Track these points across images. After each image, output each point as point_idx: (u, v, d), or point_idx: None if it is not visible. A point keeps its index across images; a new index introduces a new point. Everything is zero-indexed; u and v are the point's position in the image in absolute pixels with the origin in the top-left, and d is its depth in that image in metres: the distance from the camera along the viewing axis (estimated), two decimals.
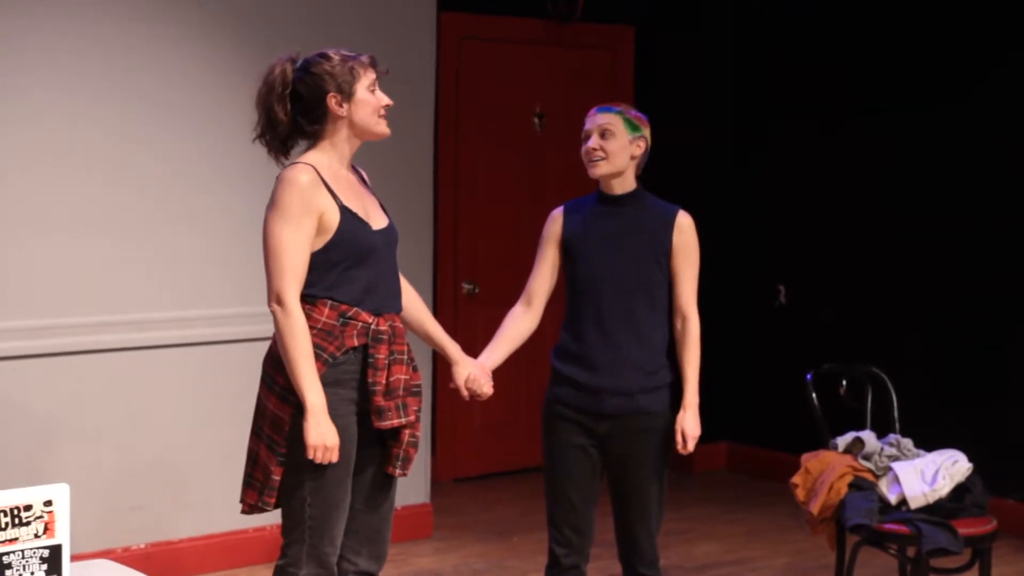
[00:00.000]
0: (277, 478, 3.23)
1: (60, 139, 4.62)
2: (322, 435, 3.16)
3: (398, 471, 3.34)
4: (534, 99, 6.59)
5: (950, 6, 5.87)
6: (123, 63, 4.72)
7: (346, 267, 3.24)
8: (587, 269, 3.70)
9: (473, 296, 6.47)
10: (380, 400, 3.26)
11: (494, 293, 6.39)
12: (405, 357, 3.33)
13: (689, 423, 3.63)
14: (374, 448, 3.35)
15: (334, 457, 3.19)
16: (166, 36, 4.81)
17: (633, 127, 3.68)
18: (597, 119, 3.69)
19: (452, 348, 3.63)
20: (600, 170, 3.68)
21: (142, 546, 4.83)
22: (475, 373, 3.63)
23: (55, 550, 2.44)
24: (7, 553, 2.38)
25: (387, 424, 3.27)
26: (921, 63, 5.99)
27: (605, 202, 3.73)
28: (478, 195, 6.47)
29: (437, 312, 5.72)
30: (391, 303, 3.34)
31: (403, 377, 3.31)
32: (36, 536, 2.41)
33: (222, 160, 4.94)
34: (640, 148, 3.70)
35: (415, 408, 3.34)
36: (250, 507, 3.32)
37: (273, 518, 4.49)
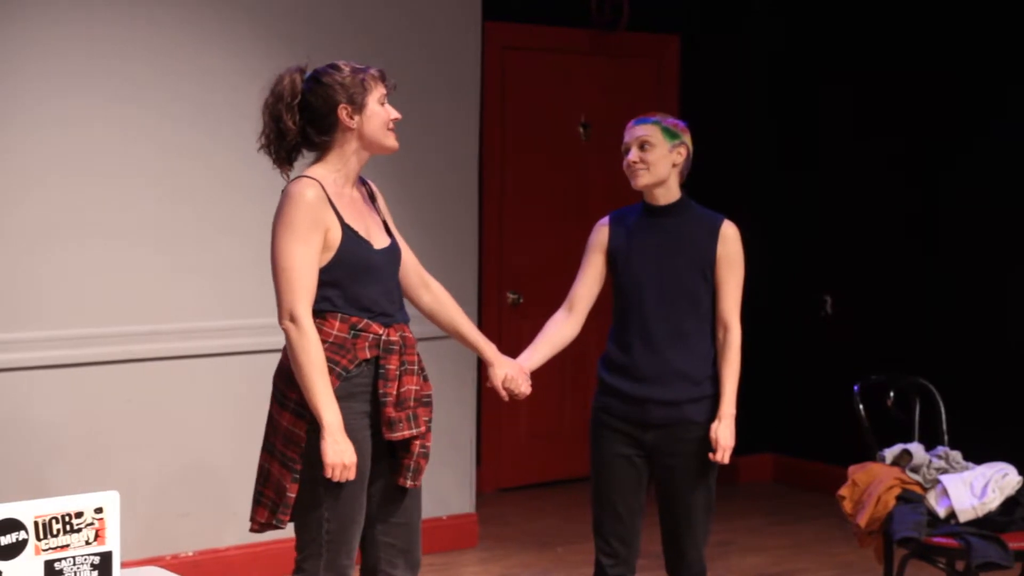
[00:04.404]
0: (292, 495, 3.19)
1: (108, 147, 4.67)
2: (339, 453, 3.12)
3: (409, 482, 3.30)
4: (579, 109, 6.59)
5: (1009, 2, 5.80)
6: (168, 69, 4.76)
7: (352, 286, 3.22)
8: (632, 280, 3.70)
9: (518, 306, 6.47)
10: (391, 411, 3.22)
11: (539, 303, 6.38)
12: (416, 367, 3.29)
13: (723, 433, 3.61)
14: (388, 459, 3.32)
15: (351, 475, 3.16)
16: (211, 44, 4.85)
17: (672, 135, 3.68)
18: (635, 132, 3.69)
19: (488, 348, 3.59)
20: (642, 180, 3.68)
21: (190, 553, 4.87)
22: (512, 373, 3.59)
23: (105, 557, 2.46)
24: (59, 559, 2.40)
25: (398, 436, 3.24)
26: (973, 65, 5.93)
27: (650, 213, 3.73)
28: (523, 205, 6.48)
29: (481, 322, 5.74)
30: (399, 315, 3.31)
31: (414, 388, 3.27)
32: (87, 543, 2.43)
33: (268, 169, 4.94)
34: (681, 155, 3.70)
35: (426, 419, 3.30)
36: (260, 525, 3.28)
37: None
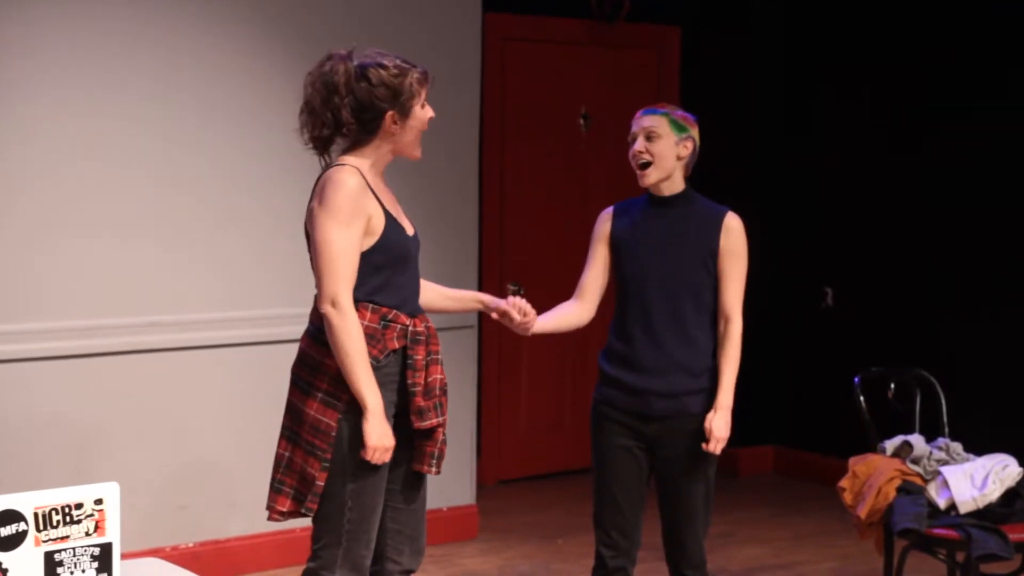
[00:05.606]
0: (322, 484, 3.21)
1: (108, 138, 4.67)
2: (381, 437, 3.16)
3: (433, 469, 3.33)
4: (579, 100, 6.59)
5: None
6: (169, 61, 4.76)
7: (390, 272, 3.25)
8: (634, 270, 3.70)
9: (518, 297, 6.46)
10: (420, 400, 3.26)
11: (539, 294, 6.35)
12: (439, 357, 3.34)
13: (718, 424, 3.60)
14: (406, 447, 3.34)
15: (387, 458, 3.20)
16: (212, 35, 4.85)
17: (679, 128, 3.68)
18: (643, 122, 3.70)
19: (481, 294, 3.67)
20: (649, 179, 3.68)
21: (191, 545, 4.87)
22: (514, 299, 3.61)
23: (106, 548, 2.46)
24: (59, 551, 2.40)
25: (427, 424, 3.27)
26: (978, 61, 5.92)
27: (654, 204, 3.73)
28: (523, 196, 6.47)
29: (481, 314, 5.73)
30: (419, 306, 3.36)
31: (439, 377, 3.31)
32: (87, 534, 2.43)
33: (269, 160, 4.97)
34: (687, 149, 3.70)
35: (446, 407, 3.36)
36: (282, 514, 3.29)
37: None
